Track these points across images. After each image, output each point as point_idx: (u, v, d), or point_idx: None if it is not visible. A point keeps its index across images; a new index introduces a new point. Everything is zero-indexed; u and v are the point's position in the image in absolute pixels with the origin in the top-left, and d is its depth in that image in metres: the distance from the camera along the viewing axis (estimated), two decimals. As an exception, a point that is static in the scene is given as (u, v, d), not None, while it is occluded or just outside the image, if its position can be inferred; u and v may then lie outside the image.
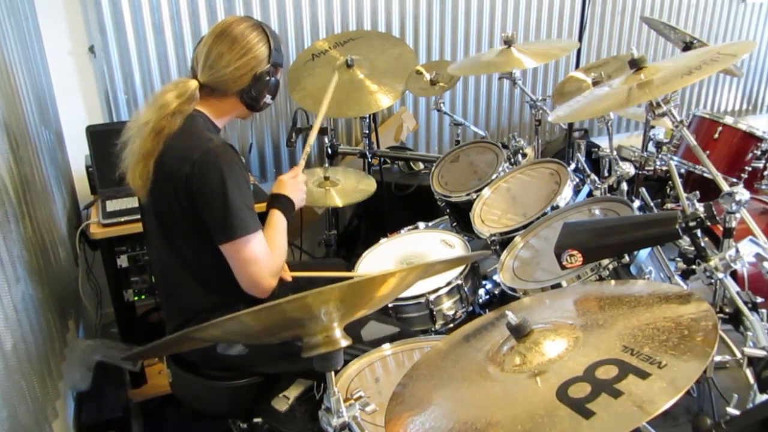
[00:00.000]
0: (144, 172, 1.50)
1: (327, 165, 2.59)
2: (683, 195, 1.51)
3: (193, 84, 1.51)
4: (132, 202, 2.24)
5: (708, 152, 2.48)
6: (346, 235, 3.09)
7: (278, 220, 1.62)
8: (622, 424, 0.73)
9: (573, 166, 1.97)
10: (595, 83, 2.16)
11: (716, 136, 2.51)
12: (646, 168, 2.49)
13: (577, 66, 3.12)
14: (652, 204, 2.01)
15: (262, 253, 1.48)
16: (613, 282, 1.43)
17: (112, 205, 2.25)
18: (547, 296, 1.41)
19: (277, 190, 1.67)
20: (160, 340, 0.93)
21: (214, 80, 1.52)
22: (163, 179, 1.48)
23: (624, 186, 1.84)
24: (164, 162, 1.48)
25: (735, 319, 1.28)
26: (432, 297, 1.78)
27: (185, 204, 1.45)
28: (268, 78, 1.54)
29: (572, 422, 0.75)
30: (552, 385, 0.83)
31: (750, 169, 2.51)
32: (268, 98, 1.58)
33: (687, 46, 2.50)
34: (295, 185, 1.68)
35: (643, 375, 0.78)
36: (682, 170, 2.55)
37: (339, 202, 2.36)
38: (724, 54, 1.42)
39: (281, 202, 1.64)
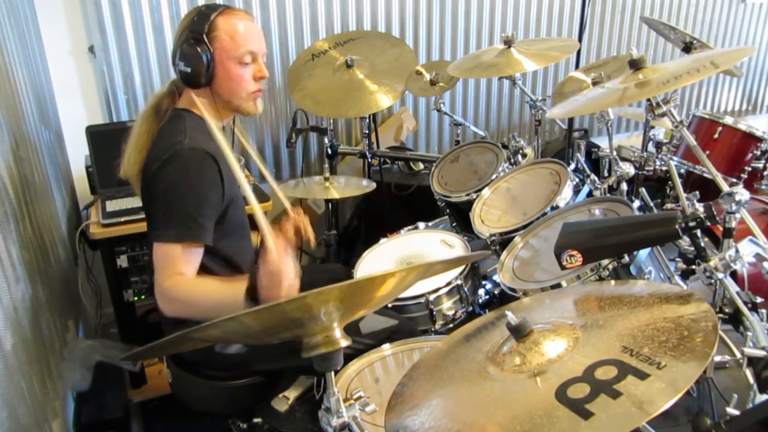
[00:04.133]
0: (135, 163, 1.52)
1: (326, 166, 2.59)
2: (683, 195, 1.51)
3: (172, 80, 1.57)
4: (132, 202, 2.24)
5: (708, 152, 2.48)
6: (346, 235, 3.09)
7: (232, 292, 1.33)
8: (621, 424, 0.73)
9: (573, 166, 1.97)
10: (595, 83, 2.16)
11: (716, 136, 2.51)
12: (646, 168, 2.49)
13: (577, 66, 3.12)
14: (651, 204, 2.01)
15: (168, 266, 1.36)
16: (613, 282, 1.43)
17: (112, 205, 2.25)
18: (547, 296, 1.41)
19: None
20: (159, 340, 0.93)
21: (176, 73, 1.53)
22: (143, 177, 1.51)
23: (624, 186, 1.84)
24: (146, 161, 1.50)
25: (735, 319, 1.28)
26: (432, 297, 1.78)
27: (151, 203, 1.47)
28: (182, 46, 1.48)
29: (571, 423, 0.75)
30: (551, 385, 0.83)
31: (750, 169, 2.51)
32: (181, 65, 1.48)
33: (687, 47, 2.50)
34: (272, 287, 1.28)
35: (642, 376, 0.78)
36: (682, 170, 2.55)
37: (336, 195, 2.36)
38: (723, 58, 1.42)
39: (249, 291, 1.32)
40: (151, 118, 1.55)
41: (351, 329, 0.96)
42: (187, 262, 1.39)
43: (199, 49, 1.46)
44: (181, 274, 1.37)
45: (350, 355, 1.46)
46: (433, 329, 1.81)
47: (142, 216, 2.14)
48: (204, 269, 1.54)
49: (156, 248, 1.38)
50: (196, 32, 1.47)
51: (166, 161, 1.41)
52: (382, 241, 2.13)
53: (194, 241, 1.40)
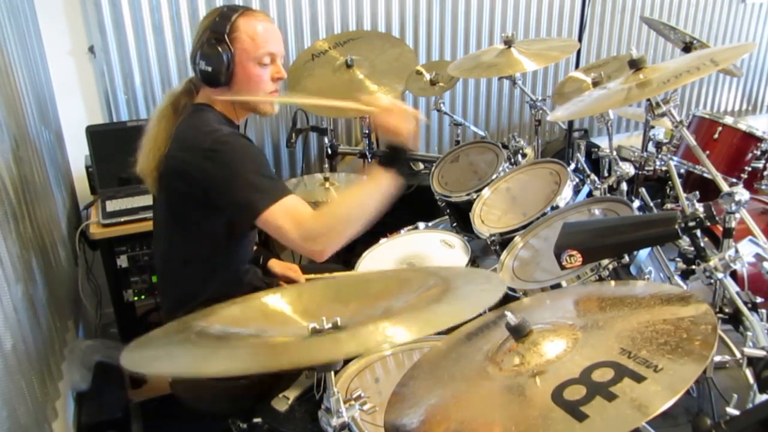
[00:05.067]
0: (153, 160, 1.54)
1: (326, 166, 2.60)
2: (683, 195, 1.51)
3: (189, 78, 1.60)
4: (132, 202, 2.24)
5: (708, 152, 2.48)
6: (346, 235, 3.09)
7: (374, 183, 1.42)
8: (615, 427, 0.73)
9: (573, 166, 1.97)
10: (595, 83, 2.16)
11: (716, 136, 2.51)
12: (646, 168, 2.49)
13: (577, 66, 3.12)
14: (651, 204, 2.01)
15: (295, 217, 1.40)
16: (613, 283, 1.43)
17: (112, 206, 2.25)
18: (548, 296, 1.41)
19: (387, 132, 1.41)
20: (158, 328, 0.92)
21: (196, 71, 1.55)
22: (174, 171, 1.51)
23: (624, 186, 1.84)
24: (173, 154, 1.51)
25: (735, 319, 1.28)
26: (432, 297, 1.78)
27: (198, 193, 1.46)
28: (203, 45, 1.50)
29: (566, 425, 0.75)
30: (548, 386, 0.83)
31: (750, 169, 2.50)
32: (202, 64, 1.51)
33: (687, 47, 2.49)
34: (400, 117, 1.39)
35: (639, 378, 0.78)
36: (682, 170, 2.54)
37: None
38: (723, 55, 1.42)
39: (392, 155, 1.42)
40: (170, 115, 1.58)
41: None
42: (301, 205, 1.42)
43: (220, 49, 1.49)
44: (308, 215, 1.40)
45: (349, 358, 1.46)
46: (433, 329, 1.80)
47: (142, 216, 2.16)
48: (205, 259, 1.56)
49: (270, 216, 1.39)
50: (218, 32, 1.50)
51: (211, 149, 1.43)
52: (382, 241, 2.13)
53: (287, 194, 1.43)
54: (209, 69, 1.50)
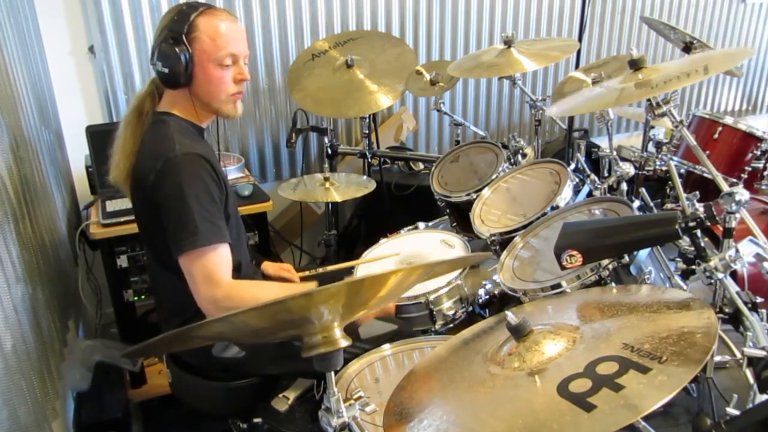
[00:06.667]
0: (123, 170, 1.52)
1: (326, 166, 2.59)
2: (683, 195, 1.50)
3: (152, 78, 1.54)
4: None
5: (708, 152, 2.48)
6: (346, 235, 3.09)
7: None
8: (624, 415, 0.73)
9: (573, 166, 1.97)
10: (595, 83, 2.15)
11: (716, 136, 2.51)
12: (646, 168, 2.49)
13: (577, 66, 3.12)
14: (652, 204, 2.01)
15: (210, 274, 1.37)
16: (614, 290, 1.42)
17: (112, 206, 2.25)
18: (549, 303, 1.41)
19: None
20: (158, 336, 0.92)
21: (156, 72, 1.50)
22: (136, 186, 1.49)
23: (624, 186, 1.84)
24: (136, 169, 1.49)
25: (735, 320, 1.28)
26: (432, 297, 1.78)
27: (152, 213, 1.44)
28: (161, 45, 1.44)
29: (573, 416, 0.75)
30: (553, 381, 0.83)
31: (750, 169, 2.50)
32: (159, 65, 1.45)
33: (687, 47, 2.49)
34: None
35: (644, 370, 0.78)
36: (682, 170, 2.54)
37: (337, 197, 2.36)
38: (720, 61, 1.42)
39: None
40: (135, 121, 1.53)
41: (350, 334, 0.96)
42: (225, 265, 1.39)
43: (177, 50, 1.43)
44: (225, 280, 1.37)
45: (347, 360, 1.45)
46: (433, 329, 1.81)
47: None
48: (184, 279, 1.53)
49: (188, 259, 1.37)
50: (176, 32, 1.43)
51: (161, 172, 1.39)
52: (382, 241, 2.13)
53: (220, 241, 1.39)
54: (166, 70, 1.44)
